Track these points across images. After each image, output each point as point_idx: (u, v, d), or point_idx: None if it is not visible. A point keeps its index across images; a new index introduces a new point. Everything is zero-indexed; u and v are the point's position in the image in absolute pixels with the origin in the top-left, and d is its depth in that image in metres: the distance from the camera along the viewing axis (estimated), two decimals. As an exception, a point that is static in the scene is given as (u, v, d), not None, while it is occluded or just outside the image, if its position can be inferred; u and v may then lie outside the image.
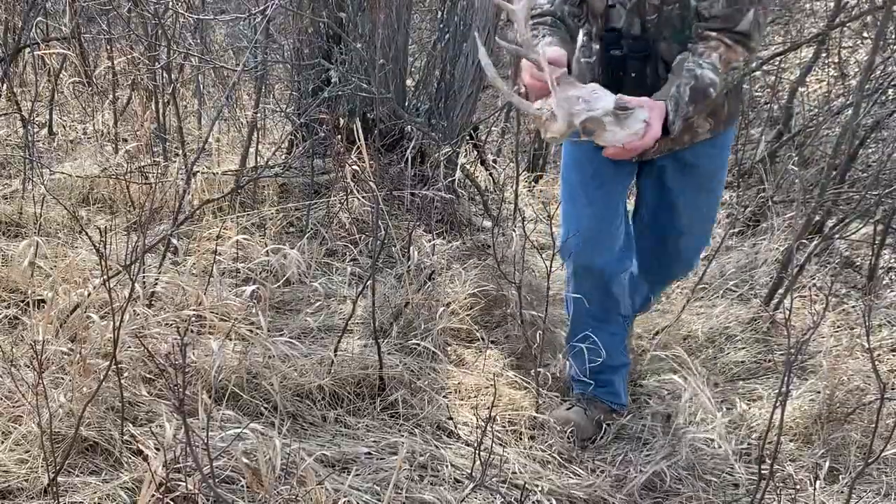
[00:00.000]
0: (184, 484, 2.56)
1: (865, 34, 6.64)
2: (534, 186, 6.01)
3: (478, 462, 2.85)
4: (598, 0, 2.67)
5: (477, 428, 3.17)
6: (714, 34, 2.46)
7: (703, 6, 2.48)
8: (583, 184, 3.00)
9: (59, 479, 2.60)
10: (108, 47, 6.19)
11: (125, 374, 3.01)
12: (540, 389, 3.38)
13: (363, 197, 4.78)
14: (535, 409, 3.34)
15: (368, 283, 3.59)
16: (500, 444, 3.15)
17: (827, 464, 3.11)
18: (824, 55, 6.87)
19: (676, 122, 2.39)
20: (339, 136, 4.99)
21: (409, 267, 4.26)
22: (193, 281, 3.80)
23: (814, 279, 4.61)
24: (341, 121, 5.13)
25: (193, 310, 3.57)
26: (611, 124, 2.20)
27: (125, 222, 4.48)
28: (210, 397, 3.04)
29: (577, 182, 3.03)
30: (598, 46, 2.74)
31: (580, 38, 2.68)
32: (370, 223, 4.64)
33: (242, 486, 2.73)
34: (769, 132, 6.30)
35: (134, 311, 3.31)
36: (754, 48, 2.50)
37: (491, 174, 5.83)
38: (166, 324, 3.41)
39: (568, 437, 3.25)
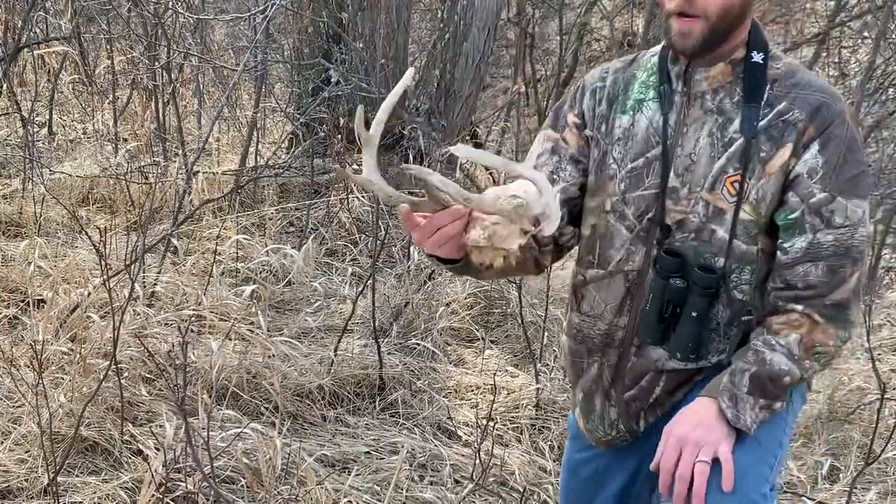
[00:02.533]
0: (184, 484, 2.55)
1: (866, 34, 6.64)
2: (534, 186, 6.01)
3: (478, 463, 2.85)
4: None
5: (477, 428, 3.17)
6: (799, 308, 1.77)
7: (792, 275, 1.78)
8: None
9: (59, 478, 2.60)
10: (108, 47, 6.19)
11: (125, 374, 3.01)
12: (540, 389, 3.38)
13: (363, 197, 4.78)
14: (535, 409, 3.33)
15: (368, 283, 3.59)
16: (501, 445, 3.14)
17: (828, 463, 3.11)
18: (825, 55, 6.88)
19: (743, 414, 1.73)
20: (339, 136, 4.99)
21: (409, 267, 4.26)
22: (193, 281, 3.80)
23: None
24: (341, 120, 5.13)
25: (193, 310, 3.57)
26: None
27: (125, 222, 4.48)
28: (210, 397, 3.04)
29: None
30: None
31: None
32: (370, 223, 4.64)
33: (242, 486, 2.72)
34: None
35: (134, 310, 3.31)
36: (854, 322, 1.82)
37: (491, 174, 5.82)
38: (166, 324, 3.41)
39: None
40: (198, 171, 4.79)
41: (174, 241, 3.99)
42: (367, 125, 1.70)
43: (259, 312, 3.51)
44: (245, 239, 4.25)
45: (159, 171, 4.95)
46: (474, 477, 2.86)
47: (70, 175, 4.85)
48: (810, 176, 1.77)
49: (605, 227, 1.92)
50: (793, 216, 1.79)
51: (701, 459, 1.71)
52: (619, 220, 1.90)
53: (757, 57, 1.83)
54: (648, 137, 1.88)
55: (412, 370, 3.52)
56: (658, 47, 1.95)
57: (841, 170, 1.78)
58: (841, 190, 1.77)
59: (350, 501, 2.71)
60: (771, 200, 1.80)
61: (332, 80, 5.01)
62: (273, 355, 3.37)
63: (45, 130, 5.80)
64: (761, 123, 1.79)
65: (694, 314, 1.82)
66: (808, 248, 1.78)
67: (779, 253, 1.82)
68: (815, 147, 1.77)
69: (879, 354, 3.89)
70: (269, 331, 3.49)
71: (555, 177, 1.94)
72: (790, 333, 1.78)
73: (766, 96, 1.80)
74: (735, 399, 1.75)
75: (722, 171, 1.81)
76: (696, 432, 1.73)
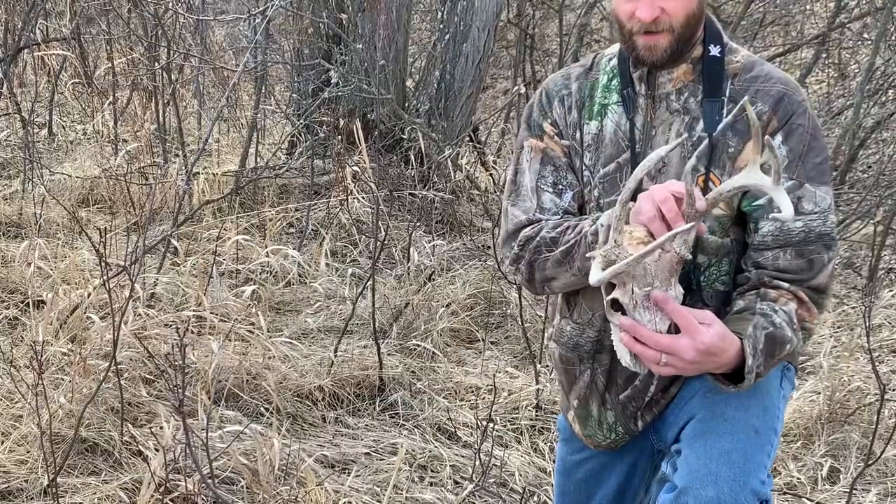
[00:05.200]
0: (183, 484, 2.55)
1: (866, 35, 6.64)
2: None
3: (478, 464, 2.85)
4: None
5: (477, 429, 3.17)
6: (785, 285, 1.78)
7: (763, 258, 1.80)
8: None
9: (59, 479, 2.60)
10: (108, 48, 6.20)
11: (125, 375, 3.01)
12: (540, 389, 3.38)
13: (363, 198, 4.78)
14: (535, 410, 3.33)
15: (368, 283, 3.59)
16: (501, 446, 3.15)
17: (828, 464, 3.11)
18: (824, 56, 6.88)
19: (754, 369, 1.69)
20: (339, 137, 4.99)
21: (408, 268, 4.26)
22: (193, 282, 3.80)
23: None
24: (341, 121, 5.13)
25: (193, 310, 3.57)
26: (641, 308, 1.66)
27: (125, 223, 4.48)
28: (209, 398, 3.04)
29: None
30: None
31: None
32: (370, 224, 4.64)
33: (242, 486, 2.72)
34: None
35: (134, 311, 3.31)
36: (827, 307, 1.89)
37: (491, 175, 5.83)
38: (166, 324, 3.41)
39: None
40: (198, 172, 4.79)
41: (174, 241, 3.99)
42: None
43: (259, 313, 3.51)
44: (245, 240, 4.25)
45: (159, 171, 4.95)
46: (474, 478, 2.86)
47: (70, 176, 4.85)
48: None
49: None
50: (757, 203, 1.80)
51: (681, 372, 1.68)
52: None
53: (714, 50, 1.84)
54: (618, 142, 1.88)
55: (412, 371, 3.52)
56: (614, 49, 1.94)
57: (806, 157, 1.79)
58: (809, 177, 1.79)
59: (350, 502, 2.70)
60: (742, 194, 1.81)
61: (332, 81, 5.01)
62: (273, 356, 3.37)
63: (45, 131, 5.80)
64: (727, 119, 1.78)
65: None
66: (777, 234, 1.79)
67: (749, 238, 1.83)
68: (778, 137, 1.79)
69: (879, 355, 3.89)
70: (269, 331, 3.49)
71: (560, 187, 1.93)
72: (788, 303, 1.78)
73: (727, 92, 1.81)
74: (755, 352, 1.70)
75: (694, 169, 1.81)
76: (710, 361, 1.66)
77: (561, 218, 1.91)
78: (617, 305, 1.68)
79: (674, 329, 1.65)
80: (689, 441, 1.81)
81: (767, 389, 1.86)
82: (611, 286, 1.67)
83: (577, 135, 1.92)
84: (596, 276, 1.63)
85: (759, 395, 1.84)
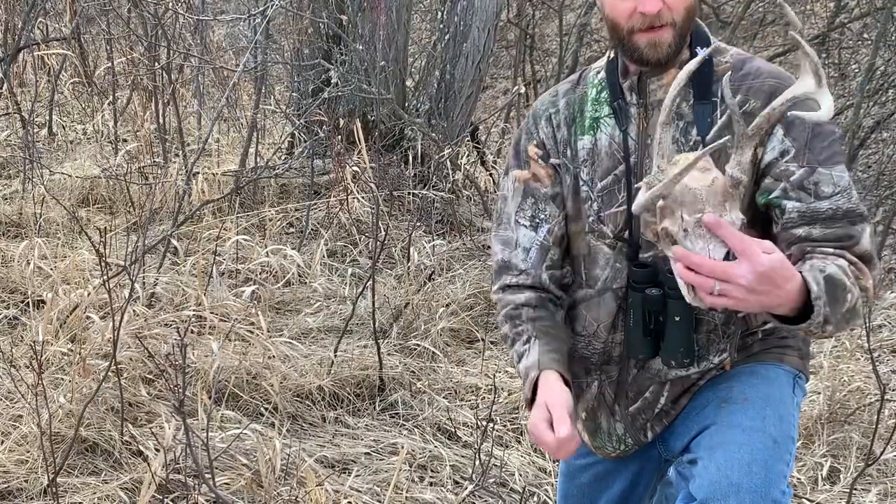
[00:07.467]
0: (183, 484, 2.55)
1: (866, 35, 6.64)
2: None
3: (478, 464, 2.85)
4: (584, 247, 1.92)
5: (477, 428, 3.17)
6: (830, 250, 1.68)
7: (793, 236, 1.71)
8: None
9: (59, 479, 2.60)
10: (108, 48, 6.20)
11: (125, 375, 3.01)
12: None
13: (363, 198, 4.78)
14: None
15: (368, 283, 3.59)
16: (501, 445, 3.15)
17: (828, 464, 3.11)
18: (824, 56, 6.88)
19: (822, 295, 1.57)
20: (339, 137, 4.99)
21: (408, 268, 4.26)
22: (193, 281, 3.80)
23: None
24: (341, 121, 5.14)
25: (193, 310, 3.57)
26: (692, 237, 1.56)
27: (125, 223, 4.48)
28: (209, 398, 3.04)
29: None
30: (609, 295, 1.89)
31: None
32: (370, 224, 4.64)
33: (242, 486, 2.72)
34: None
35: (134, 311, 3.31)
36: (875, 271, 1.75)
37: (491, 175, 5.83)
38: (166, 324, 3.41)
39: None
40: (198, 172, 4.79)
41: (174, 241, 3.99)
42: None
43: (259, 313, 3.51)
44: (245, 240, 4.25)
45: (159, 171, 4.95)
46: (474, 478, 2.86)
47: (70, 176, 4.85)
48: (782, 156, 1.74)
49: (588, 248, 1.91)
50: (772, 196, 1.74)
51: (745, 308, 1.54)
52: (600, 239, 1.88)
53: (701, 52, 1.78)
54: (613, 154, 1.85)
55: (412, 371, 3.52)
56: (601, 62, 1.92)
57: (812, 143, 1.74)
58: (819, 161, 1.73)
59: (350, 502, 2.71)
60: (745, 194, 1.75)
61: (332, 80, 5.01)
62: (273, 356, 3.37)
63: (45, 131, 5.80)
64: (721, 120, 1.74)
65: (677, 318, 1.79)
66: (804, 211, 1.72)
67: (775, 227, 1.75)
68: (779, 131, 1.74)
69: (879, 355, 3.89)
70: (268, 331, 3.49)
71: (536, 220, 1.92)
72: (837, 259, 1.66)
73: (719, 92, 1.76)
74: (817, 285, 1.58)
75: None
76: (770, 292, 1.52)
77: (523, 303, 1.90)
78: (671, 237, 1.59)
79: (732, 258, 1.53)
80: (707, 451, 1.78)
81: (781, 398, 1.84)
82: (662, 218, 1.58)
83: (569, 151, 1.90)
84: (638, 202, 1.58)
85: (773, 405, 1.81)
